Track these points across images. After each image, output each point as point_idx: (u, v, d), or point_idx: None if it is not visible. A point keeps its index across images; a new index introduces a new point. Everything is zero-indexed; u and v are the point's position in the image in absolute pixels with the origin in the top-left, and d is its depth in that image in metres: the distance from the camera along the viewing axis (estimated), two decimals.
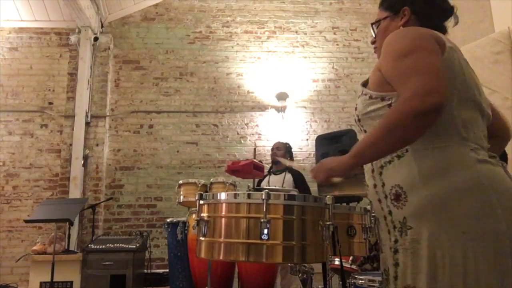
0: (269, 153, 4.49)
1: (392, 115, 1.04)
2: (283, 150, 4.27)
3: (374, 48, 1.38)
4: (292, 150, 4.48)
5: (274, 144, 4.38)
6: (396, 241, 1.13)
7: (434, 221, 1.04)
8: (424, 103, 0.97)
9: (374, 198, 1.21)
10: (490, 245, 1.00)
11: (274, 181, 4.09)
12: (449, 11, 1.29)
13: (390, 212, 1.15)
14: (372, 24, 1.37)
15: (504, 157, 2.19)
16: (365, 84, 1.27)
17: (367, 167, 1.24)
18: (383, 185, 1.17)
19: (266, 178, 4.15)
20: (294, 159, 4.59)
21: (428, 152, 1.09)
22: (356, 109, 1.26)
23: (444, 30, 1.30)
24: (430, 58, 1.05)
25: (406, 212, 1.10)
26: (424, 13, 1.27)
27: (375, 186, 1.20)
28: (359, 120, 1.25)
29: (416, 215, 1.08)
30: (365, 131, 1.25)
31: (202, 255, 1.39)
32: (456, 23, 1.30)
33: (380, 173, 1.18)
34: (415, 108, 0.98)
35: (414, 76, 1.03)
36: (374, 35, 1.37)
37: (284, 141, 4.46)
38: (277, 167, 4.23)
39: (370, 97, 1.19)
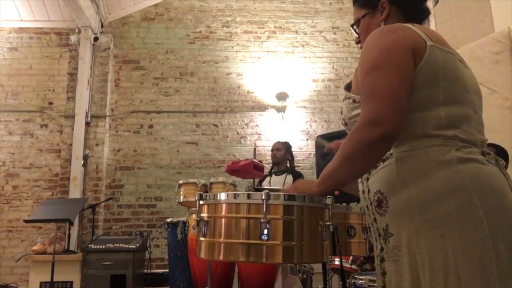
0: (269, 153, 4.48)
1: (347, 145, 1.06)
2: (283, 150, 4.26)
3: (361, 47, 1.31)
4: (292, 150, 4.47)
5: (274, 145, 4.34)
6: (382, 250, 1.10)
7: (412, 226, 1.01)
8: (372, 134, 0.99)
9: (364, 204, 1.19)
10: (472, 249, 0.94)
11: (275, 182, 4.09)
12: None
13: (375, 220, 1.13)
14: (352, 25, 1.32)
15: (503, 155, 2.17)
16: (348, 87, 1.25)
17: None
18: (369, 191, 1.15)
19: (267, 179, 4.14)
20: (294, 159, 4.58)
21: (410, 154, 1.05)
22: (341, 113, 1.23)
23: (427, 12, 1.24)
24: (390, 78, 1.02)
25: (387, 219, 1.08)
26: (405, 2, 1.22)
27: (363, 192, 1.18)
28: (345, 124, 1.23)
29: (396, 220, 1.05)
30: None
31: (202, 255, 1.39)
32: (437, 2, 1.24)
33: (367, 179, 1.15)
34: (365, 139, 1.00)
35: (369, 100, 1.03)
36: (357, 36, 1.32)
37: (284, 140, 4.45)
38: (278, 168, 4.22)
39: (354, 101, 1.16)
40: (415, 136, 1.05)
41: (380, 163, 1.11)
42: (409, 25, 1.11)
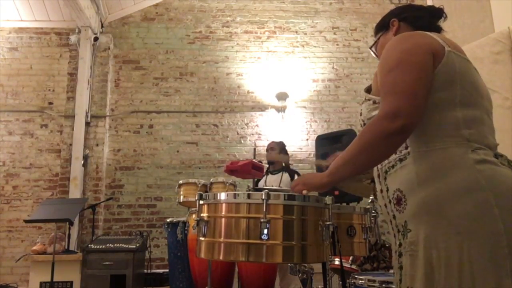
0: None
1: (365, 135, 1.10)
2: (277, 149, 4.29)
3: None
4: (292, 149, 4.48)
5: (268, 145, 4.42)
6: (400, 245, 1.15)
7: (429, 223, 1.05)
8: (392, 125, 1.04)
9: (382, 203, 1.23)
10: (486, 246, 0.98)
11: (271, 181, 4.10)
12: (438, 12, 1.33)
13: (394, 217, 1.18)
14: (370, 48, 1.43)
15: None
16: (368, 90, 1.31)
17: (375, 173, 1.26)
18: (387, 190, 1.19)
19: (264, 178, 4.16)
20: (294, 159, 4.59)
21: (428, 154, 1.10)
22: (361, 114, 1.29)
23: (438, 30, 1.31)
24: (410, 75, 1.08)
25: (406, 216, 1.12)
26: (413, 17, 1.31)
27: (381, 191, 1.22)
28: (364, 124, 1.27)
29: (414, 217, 1.10)
30: None
31: (202, 255, 1.39)
32: (445, 18, 1.33)
33: (385, 178, 1.20)
34: (384, 129, 1.05)
35: (390, 95, 1.08)
36: (376, 56, 1.42)
37: (283, 140, 4.47)
38: (274, 167, 4.24)
39: (374, 102, 1.22)
40: (432, 136, 1.10)
41: (397, 163, 1.16)
42: (427, 32, 1.18)
